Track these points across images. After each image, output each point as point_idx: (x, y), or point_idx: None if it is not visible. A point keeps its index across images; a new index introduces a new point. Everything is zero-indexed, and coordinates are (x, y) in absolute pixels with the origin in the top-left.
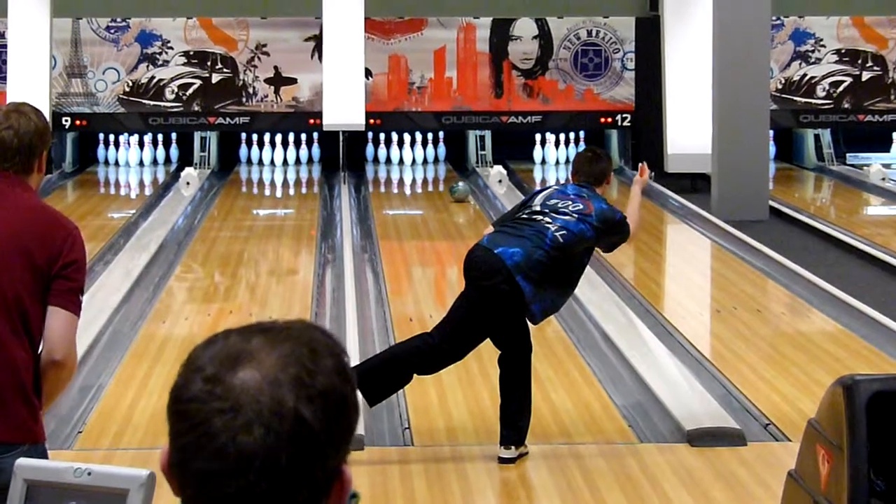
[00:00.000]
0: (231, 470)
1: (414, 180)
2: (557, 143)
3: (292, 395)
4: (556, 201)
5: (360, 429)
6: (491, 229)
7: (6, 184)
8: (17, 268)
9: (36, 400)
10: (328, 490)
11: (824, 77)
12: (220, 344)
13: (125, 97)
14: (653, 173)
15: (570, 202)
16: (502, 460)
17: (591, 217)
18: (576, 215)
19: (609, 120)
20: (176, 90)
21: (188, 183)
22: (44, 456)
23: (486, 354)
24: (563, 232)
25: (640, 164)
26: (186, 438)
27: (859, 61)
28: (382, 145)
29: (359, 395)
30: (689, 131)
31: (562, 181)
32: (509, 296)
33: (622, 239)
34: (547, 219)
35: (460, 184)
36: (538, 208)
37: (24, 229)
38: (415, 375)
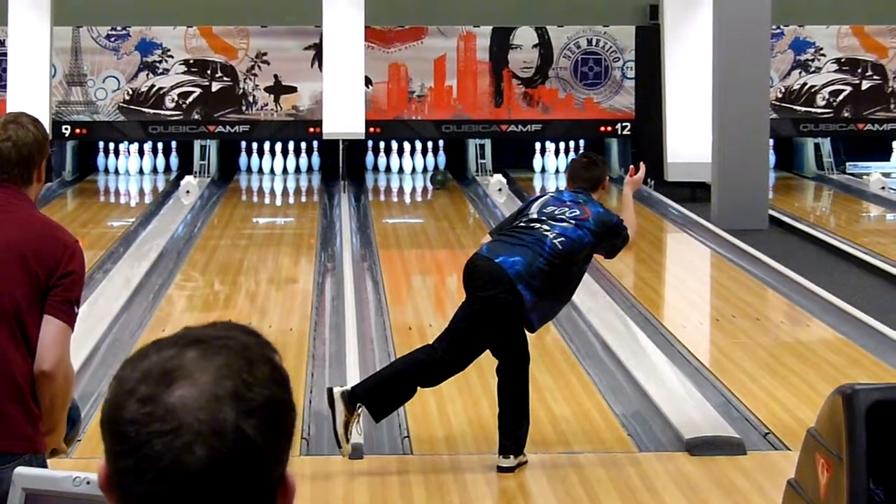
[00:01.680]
0: (175, 491)
1: (414, 189)
2: (557, 152)
3: (232, 412)
4: (553, 208)
5: (360, 438)
6: (488, 238)
7: (6, 196)
8: (15, 278)
9: (36, 409)
10: (273, 499)
11: (824, 86)
12: (153, 358)
13: (125, 105)
14: (652, 181)
15: (566, 209)
16: (501, 469)
17: (589, 222)
18: (573, 221)
19: (609, 129)
20: (176, 99)
21: (188, 191)
22: (43, 466)
23: (485, 364)
24: (562, 239)
25: (631, 165)
26: (127, 461)
27: (859, 70)
28: (382, 154)
29: (365, 411)
30: (688, 140)
31: (561, 189)
32: (512, 305)
33: (622, 243)
34: (545, 227)
35: (438, 175)
36: (535, 216)
37: (24, 241)
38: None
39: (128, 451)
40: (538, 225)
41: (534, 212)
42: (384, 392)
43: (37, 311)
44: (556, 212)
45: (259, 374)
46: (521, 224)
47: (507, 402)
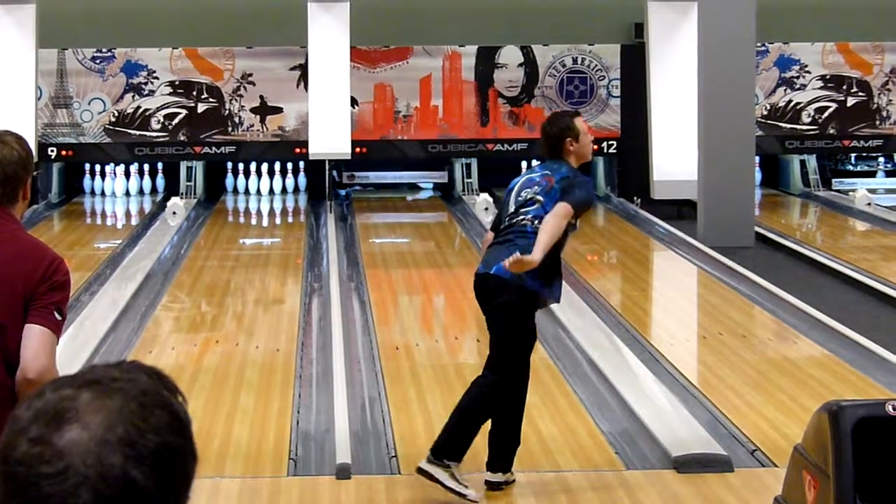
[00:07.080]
0: None
1: (401, 209)
2: None
3: (121, 458)
4: (525, 194)
5: (347, 457)
6: (491, 235)
7: None
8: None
9: None
10: None
11: (809, 103)
12: (49, 397)
13: (111, 127)
14: (638, 200)
15: (535, 187)
16: (489, 483)
17: (555, 189)
18: (541, 198)
19: (595, 147)
20: (162, 120)
21: (174, 213)
22: None
23: (471, 379)
24: (538, 219)
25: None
26: (13, 501)
27: (844, 87)
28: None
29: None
30: (674, 158)
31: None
32: (527, 299)
33: (586, 197)
34: (521, 216)
35: None
36: (513, 209)
37: (9, 261)
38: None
39: (15, 491)
40: (517, 217)
41: (511, 204)
42: (459, 439)
43: (21, 330)
44: (528, 196)
45: (153, 421)
46: (506, 223)
47: (500, 419)
